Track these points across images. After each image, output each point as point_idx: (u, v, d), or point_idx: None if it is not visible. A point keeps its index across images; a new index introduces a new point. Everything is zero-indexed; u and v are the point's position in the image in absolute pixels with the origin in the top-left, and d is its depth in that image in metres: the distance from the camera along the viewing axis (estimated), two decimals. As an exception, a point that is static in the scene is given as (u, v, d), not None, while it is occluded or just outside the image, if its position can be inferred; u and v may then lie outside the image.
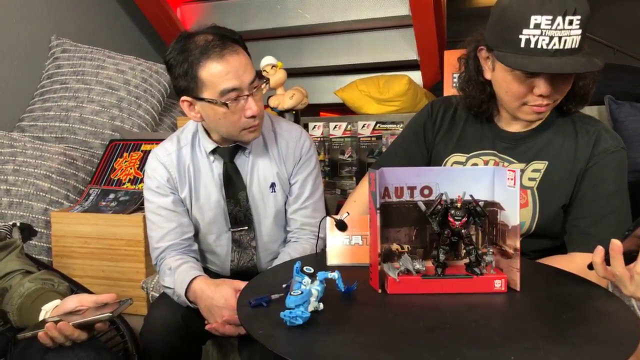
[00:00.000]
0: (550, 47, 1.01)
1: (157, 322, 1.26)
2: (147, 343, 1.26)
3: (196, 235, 1.37)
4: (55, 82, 2.33)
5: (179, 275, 1.24)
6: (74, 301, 0.98)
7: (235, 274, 1.37)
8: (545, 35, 1.00)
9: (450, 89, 2.10)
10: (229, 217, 1.33)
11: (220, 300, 1.16)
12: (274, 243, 1.39)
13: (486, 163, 1.22)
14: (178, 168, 1.32)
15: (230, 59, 1.16)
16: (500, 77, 1.13)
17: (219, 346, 1.64)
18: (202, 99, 1.18)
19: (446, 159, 1.28)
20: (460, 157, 1.26)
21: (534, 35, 1.01)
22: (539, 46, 1.01)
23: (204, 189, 1.33)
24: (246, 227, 1.33)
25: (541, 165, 1.18)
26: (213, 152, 1.31)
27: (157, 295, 1.67)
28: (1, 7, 2.25)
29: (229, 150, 1.30)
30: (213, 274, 1.39)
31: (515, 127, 1.22)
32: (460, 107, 1.30)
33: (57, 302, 1.01)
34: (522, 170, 1.18)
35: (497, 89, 1.17)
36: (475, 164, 1.23)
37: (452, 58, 2.06)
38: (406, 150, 1.35)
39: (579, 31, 1.01)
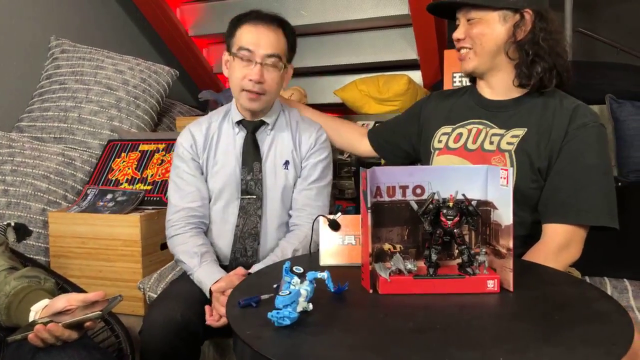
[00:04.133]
0: None
1: (157, 321, 1.26)
2: (147, 342, 1.26)
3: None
4: (54, 82, 2.33)
5: (206, 268, 1.32)
6: (62, 301, 0.98)
7: (236, 255, 1.42)
8: None
9: (449, 88, 2.08)
10: (241, 183, 1.42)
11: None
12: (277, 219, 1.44)
13: (470, 131, 1.29)
14: (205, 135, 1.46)
15: (261, 28, 1.35)
16: None
17: (216, 347, 1.64)
18: (230, 52, 1.39)
19: (435, 132, 1.36)
20: (447, 128, 1.35)
21: None
22: None
23: (223, 155, 1.44)
24: (255, 197, 1.42)
25: (520, 131, 1.23)
26: (239, 123, 1.45)
27: (155, 295, 1.66)
28: (0, 8, 2.25)
29: (253, 124, 1.44)
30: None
31: (494, 94, 1.30)
32: (460, 91, 1.41)
33: (46, 301, 1.01)
34: (502, 135, 1.25)
35: None
36: (460, 133, 1.31)
37: (452, 57, 2.04)
38: (396, 126, 1.52)
39: None
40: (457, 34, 1.26)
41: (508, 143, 1.22)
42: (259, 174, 1.42)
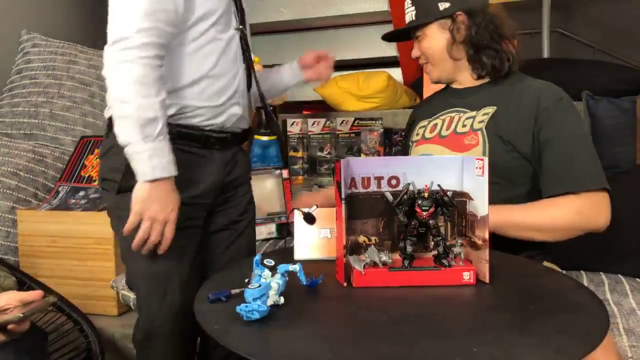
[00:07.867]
0: (407, 21, 1.37)
1: (171, 310, 1.17)
2: (155, 329, 1.17)
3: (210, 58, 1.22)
4: (24, 77, 2.26)
5: (162, 153, 1.04)
6: (2, 300, 0.93)
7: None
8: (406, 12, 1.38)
9: (429, 86, 2.07)
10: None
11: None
12: None
13: (444, 120, 1.34)
14: None
15: None
16: None
17: (201, 341, 1.60)
18: None
19: (415, 127, 1.42)
20: (424, 122, 1.40)
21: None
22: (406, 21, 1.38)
23: None
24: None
25: (490, 109, 1.26)
26: None
27: (129, 294, 1.60)
28: (-32, 0, 2.18)
29: None
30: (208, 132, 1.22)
31: (464, 84, 1.36)
32: (440, 90, 1.47)
33: None
34: (474, 117, 1.28)
35: None
36: (436, 124, 1.35)
37: (431, 54, 2.03)
38: (406, 144, 1.50)
39: (412, 7, 1.34)
40: (413, 53, 1.39)
41: (480, 122, 1.25)
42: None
